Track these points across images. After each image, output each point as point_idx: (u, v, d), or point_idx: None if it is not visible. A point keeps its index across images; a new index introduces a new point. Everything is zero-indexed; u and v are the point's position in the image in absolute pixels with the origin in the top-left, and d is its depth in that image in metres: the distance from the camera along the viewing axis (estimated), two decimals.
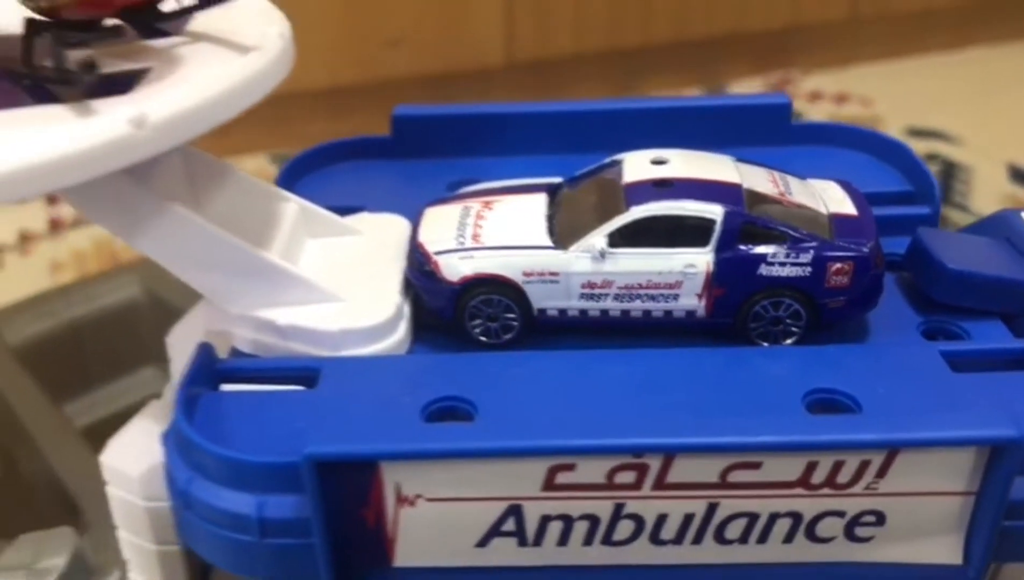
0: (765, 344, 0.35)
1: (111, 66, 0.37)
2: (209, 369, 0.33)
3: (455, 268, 0.35)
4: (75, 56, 0.35)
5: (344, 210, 0.40)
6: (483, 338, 0.36)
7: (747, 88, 1.82)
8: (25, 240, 1.41)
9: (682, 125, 0.46)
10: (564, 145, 0.46)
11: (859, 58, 1.89)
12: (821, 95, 1.78)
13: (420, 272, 0.36)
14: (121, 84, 0.35)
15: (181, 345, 0.40)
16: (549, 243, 0.35)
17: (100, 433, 0.67)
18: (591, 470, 0.28)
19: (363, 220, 0.40)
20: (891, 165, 0.46)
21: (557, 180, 0.39)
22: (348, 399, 0.32)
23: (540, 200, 0.38)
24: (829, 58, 1.88)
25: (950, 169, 1.54)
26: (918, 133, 1.64)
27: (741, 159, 0.38)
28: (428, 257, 0.36)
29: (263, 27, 0.39)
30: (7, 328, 0.72)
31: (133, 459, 0.35)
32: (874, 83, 1.81)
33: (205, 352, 0.33)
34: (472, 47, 1.67)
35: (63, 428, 0.64)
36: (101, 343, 0.73)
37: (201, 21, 0.39)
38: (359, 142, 0.44)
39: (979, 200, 1.46)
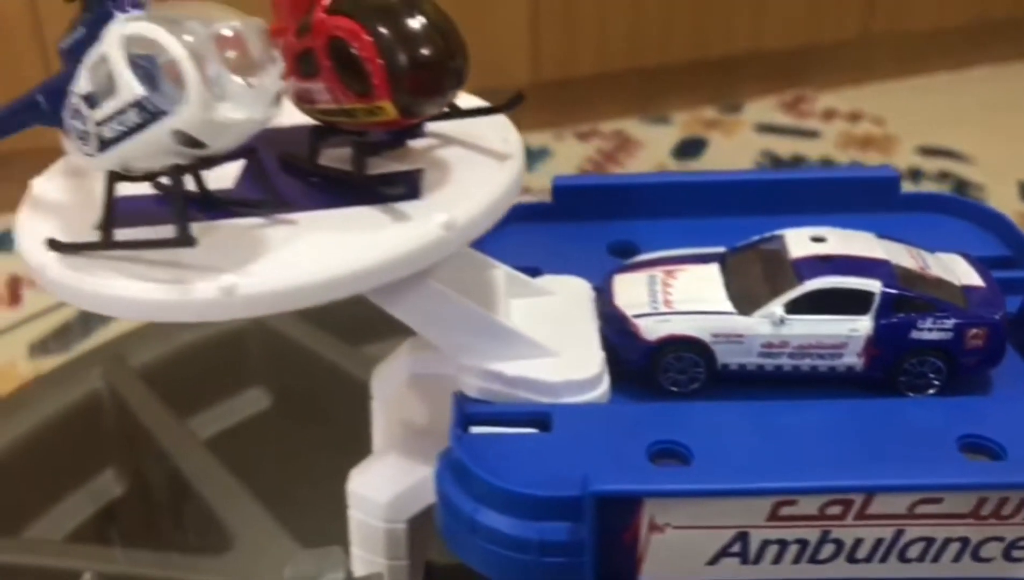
0: (911, 394, 0.42)
1: (383, 166, 0.42)
2: (465, 413, 0.38)
3: (653, 330, 0.42)
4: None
5: (522, 270, 0.46)
6: (673, 388, 0.42)
7: (762, 106, 1.88)
8: None
9: (802, 194, 0.52)
10: (702, 210, 0.52)
11: (871, 77, 1.96)
12: (835, 113, 1.85)
13: (620, 332, 0.42)
14: (407, 185, 0.40)
15: (384, 383, 0.46)
16: (732, 309, 0.41)
17: (218, 446, 0.73)
18: (808, 504, 0.35)
19: (549, 281, 0.46)
20: (990, 231, 0.52)
21: (719, 249, 0.46)
22: (582, 441, 0.38)
23: (713, 269, 0.44)
24: (842, 77, 1.95)
25: (962, 189, 1.60)
26: (930, 152, 1.71)
27: (882, 235, 0.44)
28: (627, 319, 0.42)
29: (497, 132, 0.44)
30: (130, 352, 0.77)
31: (378, 488, 0.41)
32: (886, 101, 1.88)
33: (462, 399, 0.39)
34: (498, 66, 1.73)
35: (191, 442, 0.70)
36: (213, 365, 0.79)
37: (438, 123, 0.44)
38: (523, 208, 0.50)
39: None
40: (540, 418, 0.39)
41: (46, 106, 0.40)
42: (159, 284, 0.35)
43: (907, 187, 1.54)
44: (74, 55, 0.37)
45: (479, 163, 0.41)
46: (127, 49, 0.34)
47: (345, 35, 0.37)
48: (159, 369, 0.77)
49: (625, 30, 1.76)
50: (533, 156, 1.70)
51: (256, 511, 0.64)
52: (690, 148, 1.74)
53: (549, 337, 0.41)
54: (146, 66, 0.33)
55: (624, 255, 0.50)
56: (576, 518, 0.35)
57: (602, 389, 0.40)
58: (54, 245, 0.37)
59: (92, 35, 0.36)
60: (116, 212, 0.38)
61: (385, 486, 0.41)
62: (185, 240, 0.35)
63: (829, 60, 1.94)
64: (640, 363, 0.42)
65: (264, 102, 0.34)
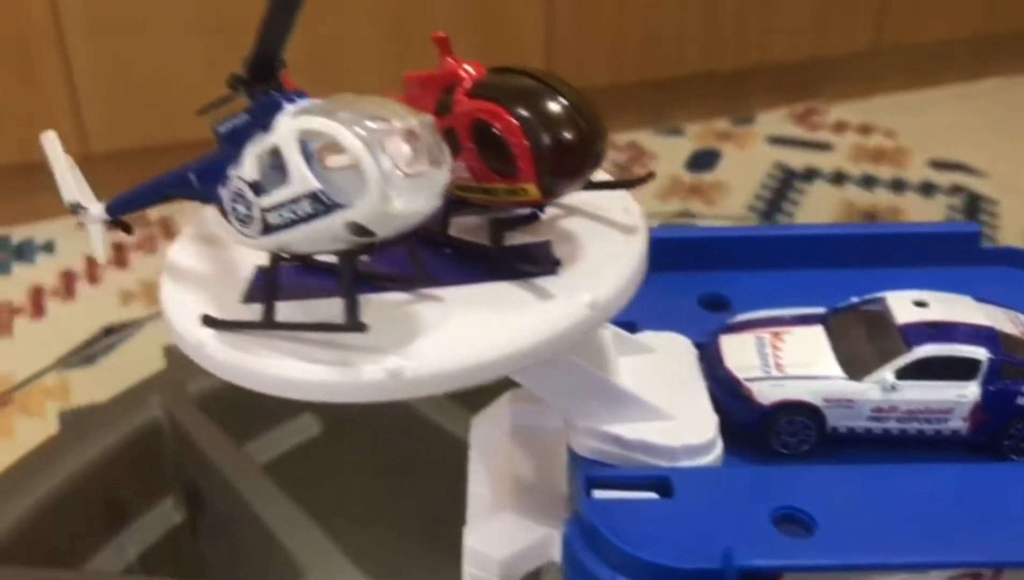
0: (1014, 458, 0.43)
1: (512, 237, 0.42)
2: (588, 477, 0.39)
3: (766, 394, 0.42)
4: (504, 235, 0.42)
5: (620, 325, 0.47)
6: (783, 450, 0.43)
7: (774, 118, 1.90)
8: (92, 265, 1.46)
9: (886, 248, 0.53)
10: (788, 262, 0.53)
11: (881, 89, 1.97)
12: (847, 126, 1.86)
13: (733, 395, 0.43)
14: (547, 262, 0.40)
15: (485, 434, 0.47)
16: (843, 374, 0.42)
17: (273, 471, 0.73)
18: (938, 576, 0.36)
19: (650, 338, 0.47)
20: None
21: (819, 310, 0.46)
22: (706, 507, 0.39)
23: (818, 331, 0.45)
24: (852, 89, 1.96)
25: (975, 202, 1.61)
26: (942, 165, 1.72)
27: (980, 299, 0.45)
28: (740, 383, 0.43)
29: (616, 202, 0.44)
30: (187, 380, 0.78)
31: (495, 545, 0.42)
32: (896, 113, 1.89)
33: (582, 462, 0.40)
34: None
35: (253, 470, 0.70)
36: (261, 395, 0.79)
37: None
38: None
39: (1006, 233, 1.54)
40: (661, 482, 0.39)
41: (197, 184, 0.40)
42: (325, 366, 0.36)
43: (921, 201, 1.58)
44: (234, 140, 0.38)
45: (606, 235, 0.42)
46: (301, 142, 0.35)
47: (490, 118, 0.38)
48: (215, 396, 0.77)
49: (638, 42, 1.77)
50: None
51: (323, 541, 0.64)
52: (704, 160, 1.75)
53: (662, 399, 0.42)
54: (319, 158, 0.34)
55: (715, 308, 0.51)
56: None
57: (717, 452, 0.41)
58: (210, 322, 0.38)
59: (256, 123, 0.37)
60: (259, 284, 0.39)
61: (502, 544, 0.42)
62: (356, 326, 0.35)
63: (839, 72, 1.95)
64: (753, 426, 0.43)
65: (435, 194, 0.35)
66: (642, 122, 1.87)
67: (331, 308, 0.37)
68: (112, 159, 1.56)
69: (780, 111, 1.92)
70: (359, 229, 0.34)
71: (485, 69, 0.41)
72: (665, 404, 0.41)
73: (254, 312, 0.39)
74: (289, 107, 0.36)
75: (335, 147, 0.34)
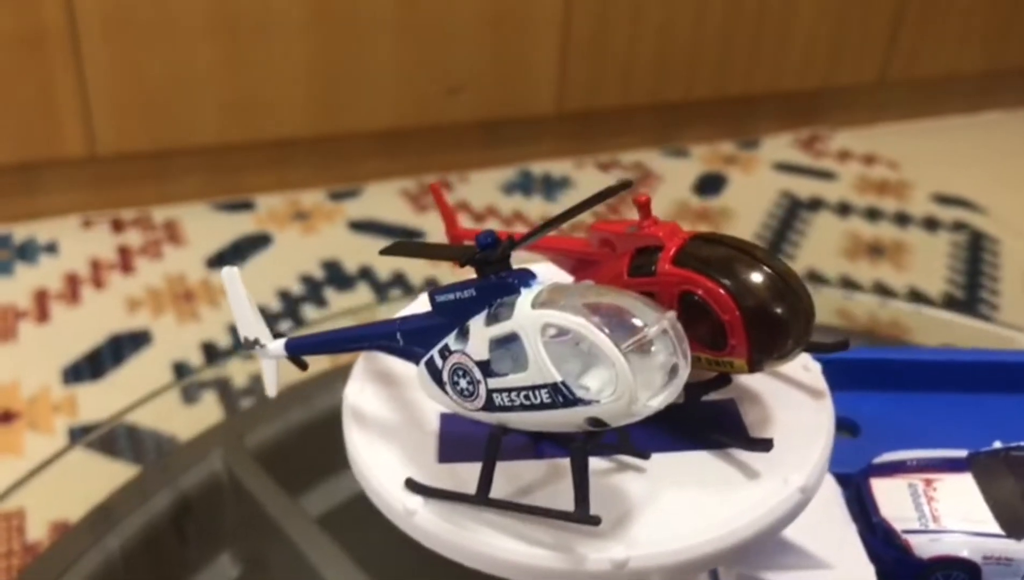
0: None
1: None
2: None
3: (926, 548, 0.42)
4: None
5: None
6: None
7: (779, 143, 1.90)
8: (97, 268, 1.44)
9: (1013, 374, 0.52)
10: (920, 386, 0.52)
11: (885, 118, 1.99)
12: (850, 154, 1.87)
13: (888, 545, 0.43)
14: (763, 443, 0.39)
15: None
16: (1001, 531, 0.42)
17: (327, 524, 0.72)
18: None
19: None
20: None
21: (962, 454, 0.46)
22: None
23: (969, 480, 0.44)
24: (857, 117, 1.98)
25: (978, 241, 1.63)
26: (944, 200, 1.74)
27: None
28: (897, 535, 0.43)
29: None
30: (246, 433, 0.76)
31: None
32: (899, 143, 1.91)
33: None
34: (525, 96, 1.74)
35: (310, 526, 0.69)
36: (320, 443, 0.78)
37: None
38: None
39: (1008, 273, 1.55)
40: None
41: (401, 342, 0.39)
42: (548, 551, 0.35)
43: (925, 236, 1.58)
44: (454, 311, 0.37)
45: (792, 398, 0.41)
46: (545, 334, 0.34)
47: (704, 295, 0.37)
48: (272, 449, 0.76)
49: (651, 65, 1.77)
50: (554, 185, 1.71)
51: None
52: (710, 185, 1.76)
53: (817, 544, 0.41)
54: (565, 353, 0.34)
55: (846, 431, 0.50)
56: None
57: None
58: (418, 488, 0.37)
59: (481, 300, 0.36)
60: (450, 437, 0.38)
61: None
62: (589, 520, 0.35)
63: (845, 100, 1.96)
64: (904, 573, 0.42)
65: (677, 390, 0.34)
66: (648, 141, 1.87)
67: (532, 471, 0.37)
68: (119, 161, 1.54)
69: (785, 137, 1.93)
70: (598, 422, 0.33)
71: (684, 232, 0.40)
72: (820, 551, 0.41)
73: (453, 473, 0.38)
74: (526, 293, 0.35)
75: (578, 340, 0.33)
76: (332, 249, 1.53)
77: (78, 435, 1.14)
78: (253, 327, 0.42)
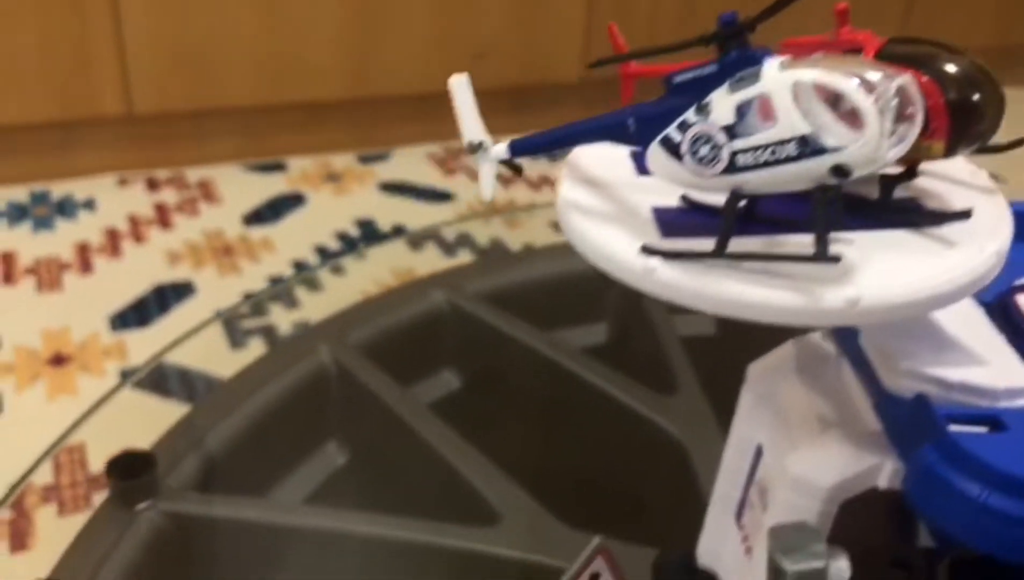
0: None
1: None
2: (941, 414, 0.40)
3: None
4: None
5: None
6: None
7: None
8: (135, 224, 1.46)
9: None
10: None
11: None
12: None
13: None
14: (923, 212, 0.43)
15: (761, 376, 0.50)
16: None
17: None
18: None
19: None
20: None
21: None
22: None
23: None
24: None
25: None
26: None
27: None
28: None
29: (954, 163, 0.46)
30: (347, 332, 0.79)
31: (823, 474, 0.44)
32: None
33: (924, 401, 0.41)
34: (550, 62, 1.77)
35: (427, 412, 0.71)
36: (414, 346, 0.81)
37: None
38: None
39: None
40: (994, 419, 0.41)
41: (633, 129, 0.42)
42: (786, 291, 0.38)
43: None
44: (694, 89, 0.41)
45: (969, 196, 0.44)
46: (793, 92, 0.37)
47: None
48: (373, 346, 0.79)
49: (673, 30, 1.79)
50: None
51: (513, 487, 0.65)
52: None
53: (969, 345, 0.44)
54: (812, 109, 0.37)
55: None
56: None
57: None
58: (654, 252, 0.40)
59: (723, 74, 0.40)
60: (668, 220, 0.41)
61: (830, 472, 0.44)
62: (829, 257, 0.38)
63: None
64: None
65: (910, 143, 0.37)
66: None
67: (755, 244, 0.41)
68: (155, 120, 1.56)
69: None
70: (841, 171, 0.36)
71: (880, 38, 0.43)
72: (976, 350, 0.44)
73: (678, 246, 0.41)
74: (771, 61, 0.39)
75: (828, 95, 0.36)
76: (365, 209, 1.55)
77: (129, 377, 1.15)
78: (477, 131, 0.45)
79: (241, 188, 1.59)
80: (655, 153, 0.41)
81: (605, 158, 0.49)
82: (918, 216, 0.43)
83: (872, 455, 0.43)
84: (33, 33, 1.43)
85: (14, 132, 1.50)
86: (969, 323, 0.46)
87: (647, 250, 0.41)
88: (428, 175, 1.66)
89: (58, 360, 1.19)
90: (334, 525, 0.61)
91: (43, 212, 1.48)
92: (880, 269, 0.40)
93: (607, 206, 0.46)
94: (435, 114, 1.75)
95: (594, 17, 1.74)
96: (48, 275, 1.34)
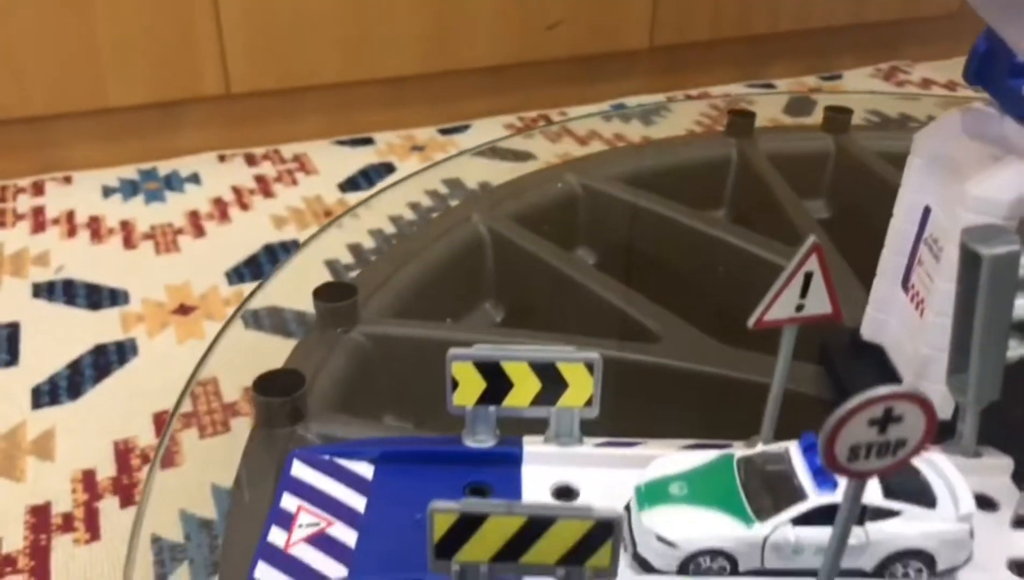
0: None
1: None
2: None
3: None
4: None
5: None
6: None
7: (860, 75, 1.98)
8: (239, 194, 1.53)
9: None
10: None
11: (962, 51, 2.06)
12: (932, 82, 1.95)
13: None
14: None
15: (928, 141, 0.54)
16: None
17: None
18: None
19: None
20: None
21: None
22: None
23: None
24: (935, 51, 2.06)
25: None
26: None
27: None
28: None
29: None
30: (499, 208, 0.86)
31: (1003, 191, 0.49)
32: None
33: None
34: (619, 32, 1.83)
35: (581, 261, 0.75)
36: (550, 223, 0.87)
37: None
38: None
39: None
40: None
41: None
42: None
43: None
44: None
45: None
46: None
47: None
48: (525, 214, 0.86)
49: (737, 1, 1.86)
50: (651, 111, 1.79)
51: (668, 314, 0.70)
52: (799, 107, 1.83)
53: None
54: None
55: None
56: None
57: None
58: None
59: None
60: None
61: (1007, 188, 0.49)
62: None
63: (922, 33, 2.04)
64: None
65: None
66: (734, 76, 1.95)
67: None
68: (250, 98, 1.63)
69: (866, 69, 2.00)
70: None
71: None
72: None
73: None
74: None
75: None
76: (452, 172, 1.61)
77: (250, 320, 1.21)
78: None
79: (334, 160, 1.65)
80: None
81: None
82: None
83: None
84: (142, 18, 1.51)
85: (123, 113, 1.58)
86: None
87: None
88: (507, 141, 1.72)
89: (183, 310, 1.25)
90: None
91: (154, 186, 1.55)
92: None
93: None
94: (510, 85, 1.82)
95: None
96: (164, 240, 1.41)
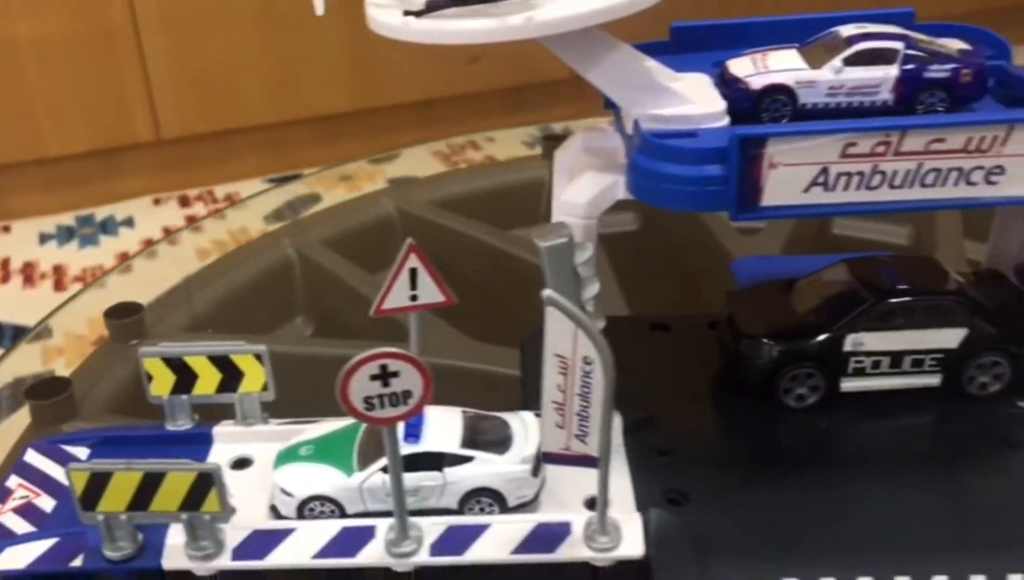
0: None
1: None
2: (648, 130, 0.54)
3: (757, 81, 0.56)
4: None
5: None
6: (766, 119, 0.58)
7: None
8: (169, 233, 1.62)
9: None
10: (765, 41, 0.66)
11: None
12: None
13: (734, 87, 0.56)
14: None
15: (562, 155, 0.62)
16: (806, 65, 0.57)
17: None
18: (865, 144, 0.51)
19: (685, 75, 0.59)
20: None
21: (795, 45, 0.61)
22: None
23: (793, 51, 0.59)
24: None
25: None
26: None
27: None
28: (739, 79, 0.56)
29: None
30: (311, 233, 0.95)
31: (580, 193, 0.57)
32: None
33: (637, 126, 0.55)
34: (540, 62, 1.91)
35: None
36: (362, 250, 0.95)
37: None
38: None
39: None
40: (689, 133, 0.54)
41: None
42: (489, 19, 0.51)
43: None
44: None
45: None
46: None
47: None
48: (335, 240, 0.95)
49: None
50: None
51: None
52: None
53: (690, 93, 0.56)
54: None
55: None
56: (726, 160, 0.51)
57: (726, 120, 0.55)
58: (409, 13, 0.53)
59: None
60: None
61: (584, 192, 0.57)
62: None
63: None
64: (747, 107, 0.57)
65: None
66: None
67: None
68: (183, 143, 1.74)
69: None
70: None
71: None
72: (686, 92, 0.56)
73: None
74: None
75: None
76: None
77: None
78: None
79: (264, 196, 1.75)
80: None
81: None
82: None
83: (611, 176, 0.56)
84: (72, 68, 1.62)
85: (61, 162, 1.69)
86: (696, 84, 0.58)
87: (406, 12, 0.54)
88: (434, 168, 1.81)
89: (103, 341, 1.35)
90: (298, 349, 0.76)
91: (88, 231, 1.66)
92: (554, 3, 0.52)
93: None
94: (440, 117, 1.91)
95: None
96: (92, 278, 1.51)
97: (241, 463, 0.59)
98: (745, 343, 0.62)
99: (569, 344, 0.47)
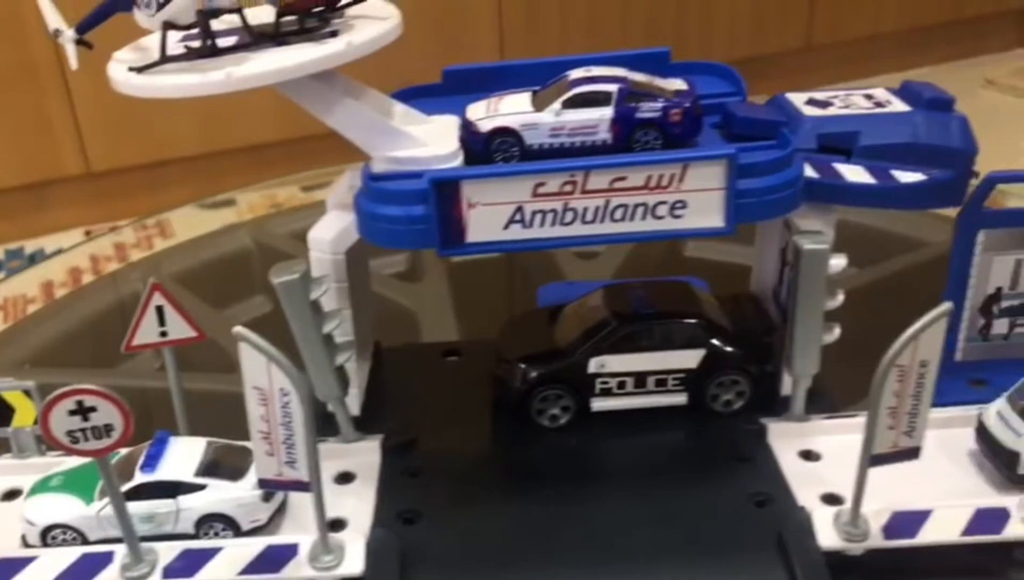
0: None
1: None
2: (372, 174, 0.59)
3: (486, 124, 0.59)
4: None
5: None
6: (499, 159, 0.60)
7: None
8: (96, 261, 1.66)
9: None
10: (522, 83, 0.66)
11: (815, 82, 2.16)
12: None
13: (469, 130, 0.59)
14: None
15: (336, 192, 0.66)
16: (532, 109, 0.60)
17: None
18: (553, 183, 0.54)
19: (436, 118, 0.63)
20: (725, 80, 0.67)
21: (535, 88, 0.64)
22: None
23: (526, 96, 0.62)
24: (788, 83, 2.15)
25: None
26: None
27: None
28: (472, 123, 0.59)
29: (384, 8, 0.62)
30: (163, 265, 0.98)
31: (326, 230, 0.61)
32: None
33: (367, 169, 0.59)
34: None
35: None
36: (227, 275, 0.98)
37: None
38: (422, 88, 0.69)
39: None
40: (414, 175, 0.57)
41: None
42: (194, 75, 0.55)
43: None
44: None
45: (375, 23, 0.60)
46: None
47: None
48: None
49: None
50: None
51: None
52: None
53: (427, 137, 0.60)
54: None
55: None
56: (428, 201, 0.55)
57: (460, 159, 0.59)
58: (132, 69, 0.58)
59: None
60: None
61: (330, 229, 0.62)
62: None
63: (775, 66, 2.13)
64: (479, 150, 0.59)
65: None
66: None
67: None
68: (113, 175, 1.77)
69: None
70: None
71: None
72: (424, 137, 0.59)
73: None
74: None
75: None
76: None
77: None
78: (57, 20, 0.61)
79: (194, 222, 1.78)
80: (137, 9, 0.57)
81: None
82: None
83: (352, 214, 0.60)
84: None
85: None
86: (441, 126, 0.62)
87: (130, 69, 0.57)
88: None
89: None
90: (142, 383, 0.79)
91: (16, 264, 1.69)
92: (251, 62, 0.56)
93: (132, 54, 0.62)
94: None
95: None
96: (15, 309, 1.54)
97: (11, 495, 0.62)
98: (502, 367, 0.65)
99: (265, 377, 0.49)
